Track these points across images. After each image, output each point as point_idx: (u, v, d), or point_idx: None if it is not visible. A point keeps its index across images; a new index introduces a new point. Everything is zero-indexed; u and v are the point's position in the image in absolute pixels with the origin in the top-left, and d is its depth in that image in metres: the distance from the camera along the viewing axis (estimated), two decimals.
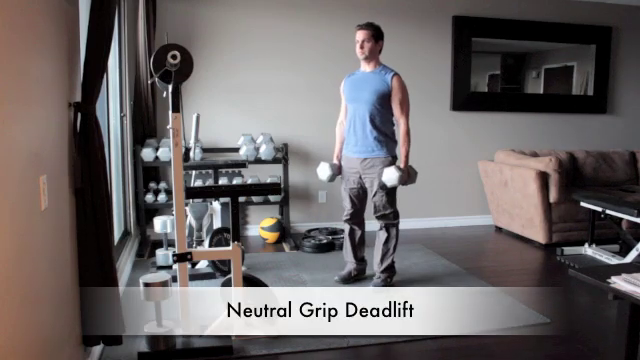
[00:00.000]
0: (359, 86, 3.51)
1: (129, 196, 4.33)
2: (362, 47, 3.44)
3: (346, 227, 3.72)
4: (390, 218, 3.53)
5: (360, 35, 3.44)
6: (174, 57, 2.53)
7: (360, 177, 3.55)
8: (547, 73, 5.83)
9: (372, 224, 3.71)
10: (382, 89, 3.42)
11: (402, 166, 3.45)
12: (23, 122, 1.55)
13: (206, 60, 4.75)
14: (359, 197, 3.63)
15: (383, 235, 3.57)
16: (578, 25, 5.63)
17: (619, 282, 1.93)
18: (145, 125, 4.59)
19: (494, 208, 5.35)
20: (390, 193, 3.49)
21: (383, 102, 3.44)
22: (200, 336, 2.67)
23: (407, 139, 3.48)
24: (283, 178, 4.86)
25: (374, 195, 3.49)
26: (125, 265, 3.67)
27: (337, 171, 3.68)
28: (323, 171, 3.66)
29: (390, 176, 3.36)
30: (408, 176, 3.48)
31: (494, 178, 5.20)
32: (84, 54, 2.15)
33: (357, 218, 3.68)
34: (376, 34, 3.45)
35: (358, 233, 3.70)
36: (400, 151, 3.50)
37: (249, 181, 4.70)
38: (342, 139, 3.69)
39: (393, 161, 3.49)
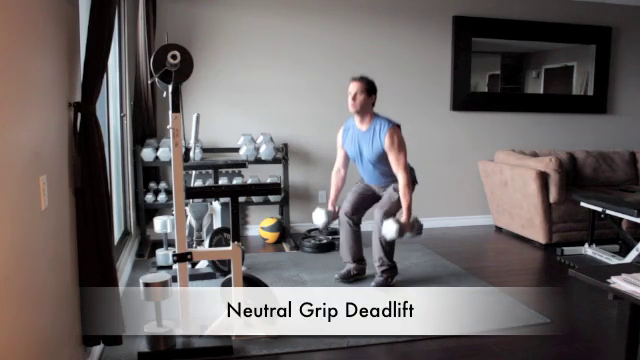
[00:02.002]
0: (357, 144, 3.55)
1: (129, 196, 4.33)
2: (354, 99, 3.43)
3: (343, 223, 3.66)
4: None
5: (353, 87, 3.43)
6: (174, 57, 2.53)
7: (376, 191, 3.67)
8: (547, 73, 5.83)
9: (371, 224, 3.71)
10: (379, 149, 3.44)
11: (404, 219, 3.40)
12: (23, 122, 1.54)
13: (206, 60, 4.75)
14: (365, 195, 3.67)
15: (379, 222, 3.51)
16: (578, 25, 5.63)
17: (619, 282, 1.93)
18: (145, 125, 4.59)
19: (494, 208, 5.35)
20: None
21: (384, 159, 3.46)
22: (200, 336, 2.67)
23: (407, 191, 3.41)
24: (283, 178, 4.86)
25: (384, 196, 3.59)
26: (125, 265, 3.67)
27: (332, 218, 3.70)
28: (319, 217, 3.66)
29: (389, 228, 3.33)
30: (412, 228, 3.43)
31: (494, 178, 5.20)
32: (84, 54, 2.15)
33: (357, 214, 3.67)
34: (369, 88, 3.43)
35: (354, 229, 3.67)
36: (402, 203, 3.44)
37: (249, 181, 4.69)
38: (338, 187, 3.75)
39: None
